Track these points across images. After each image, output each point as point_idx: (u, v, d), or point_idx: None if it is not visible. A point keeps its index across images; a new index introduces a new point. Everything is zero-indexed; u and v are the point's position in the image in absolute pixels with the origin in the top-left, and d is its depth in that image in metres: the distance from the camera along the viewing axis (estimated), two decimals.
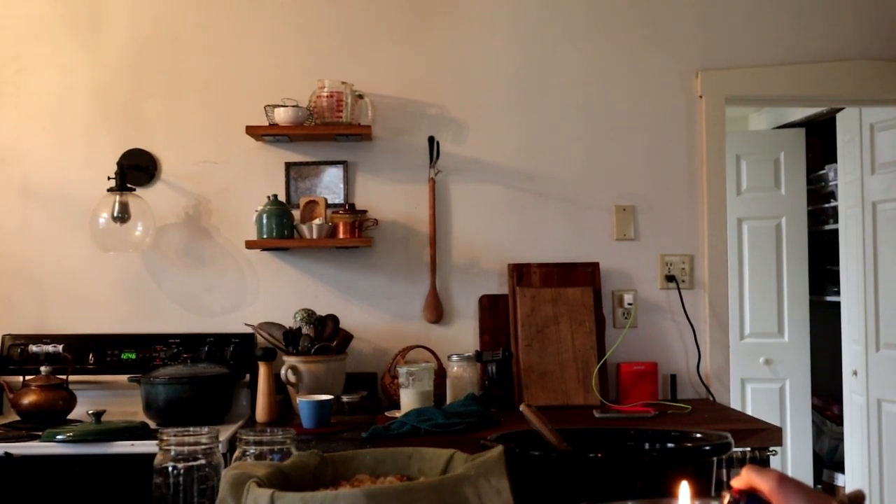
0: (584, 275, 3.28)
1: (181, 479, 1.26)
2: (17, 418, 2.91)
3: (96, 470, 2.62)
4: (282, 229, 3.14)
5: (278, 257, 3.30)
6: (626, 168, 3.37)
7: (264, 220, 3.15)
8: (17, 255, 3.26)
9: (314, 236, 3.15)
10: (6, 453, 2.60)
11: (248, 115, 3.22)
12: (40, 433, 2.69)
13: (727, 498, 0.81)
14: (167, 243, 3.30)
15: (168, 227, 3.29)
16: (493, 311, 3.28)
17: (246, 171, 3.31)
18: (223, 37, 3.34)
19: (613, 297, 3.35)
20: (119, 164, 3.20)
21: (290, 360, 2.95)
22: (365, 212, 3.24)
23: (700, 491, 1.24)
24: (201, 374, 2.86)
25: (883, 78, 3.41)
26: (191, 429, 1.37)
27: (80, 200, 3.23)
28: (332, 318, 3.07)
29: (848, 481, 4.34)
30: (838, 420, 4.65)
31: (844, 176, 4.31)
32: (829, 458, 4.78)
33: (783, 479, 0.78)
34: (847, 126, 4.21)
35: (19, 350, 3.13)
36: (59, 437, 2.64)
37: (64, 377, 2.94)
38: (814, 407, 4.76)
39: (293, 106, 3.14)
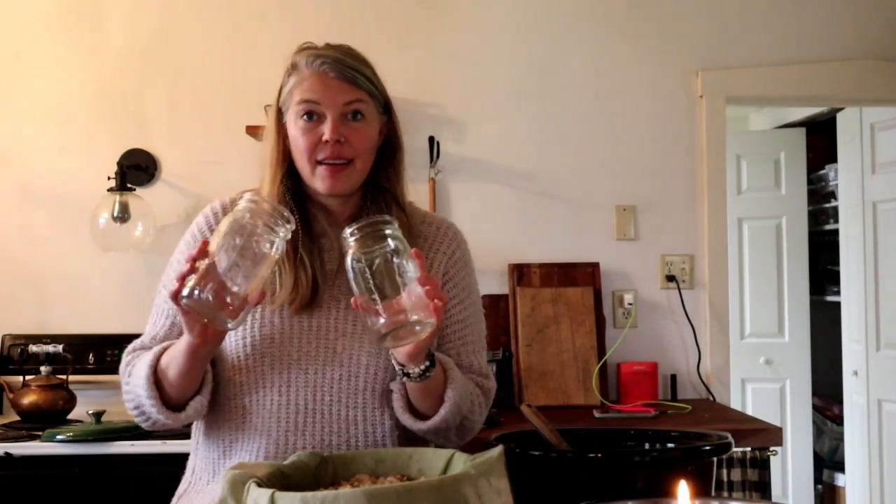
0: (584, 275, 3.28)
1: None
2: (17, 418, 2.91)
3: (96, 470, 2.62)
4: None
5: None
6: (627, 168, 3.37)
7: None
8: (17, 255, 3.26)
9: None
10: (6, 453, 2.60)
11: (248, 115, 3.21)
12: (40, 433, 2.69)
13: None
14: (167, 243, 3.29)
15: (168, 227, 3.29)
16: (493, 311, 3.28)
17: (246, 171, 3.30)
18: (223, 37, 3.33)
19: (613, 297, 3.34)
20: (119, 164, 3.20)
21: None
22: None
23: (700, 491, 1.24)
24: None
25: (883, 78, 3.41)
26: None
27: (80, 200, 3.23)
28: None
29: (848, 481, 4.34)
30: (838, 420, 4.64)
31: (845, 176, 4.31)
32: (829, 458, 4.78)
33: None
34: (847, 126, 4.21)
35: (19, 350, 3.13)
36: (59, 437, 2.64)
37: (64, 377, 2.94)
38: (814, 407, 4.76)
39: None
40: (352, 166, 1.48)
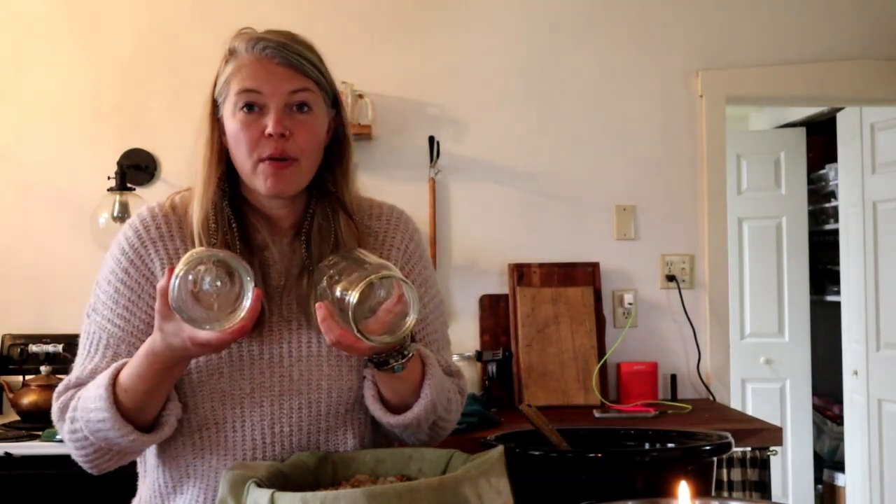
0: (584, 274, 3.28)
1: None
2: (17, 418, 2.90)
3: None
4: None
5: None
6: (626, 168, 3.37)
7: None
8: (16, 255, 3.26)
9: None
10: (6, 453, 2.60)
11: None
12: (40, 433, 2.69)
13: None
14: None
15: None
16: (493, 310, 3.28)
17: None
18: (223, 36, 3.32)
19: (614, 296, 3.34)
20: (119, 164, 3.20)
21: None
22: None
23: (700, 491, 1.24)
24: None
25: (883, 78, 3.41)
26: None
27: (80, 200, 3.23)
28: None
29: (848, 481, 4.34)
30: (838, 420, 4.64)
31: (845, 175, 4.31)
32: (829, 458, 4.78)
33: None
34: (847, 126, 4.21)
35: (19, 350, 3.13)
36: (59, 436, 2.64)
37: (64, 377, 2.93)
38: (814, 407, 4.76)
39: None
40: (297, 165, 1.30)
